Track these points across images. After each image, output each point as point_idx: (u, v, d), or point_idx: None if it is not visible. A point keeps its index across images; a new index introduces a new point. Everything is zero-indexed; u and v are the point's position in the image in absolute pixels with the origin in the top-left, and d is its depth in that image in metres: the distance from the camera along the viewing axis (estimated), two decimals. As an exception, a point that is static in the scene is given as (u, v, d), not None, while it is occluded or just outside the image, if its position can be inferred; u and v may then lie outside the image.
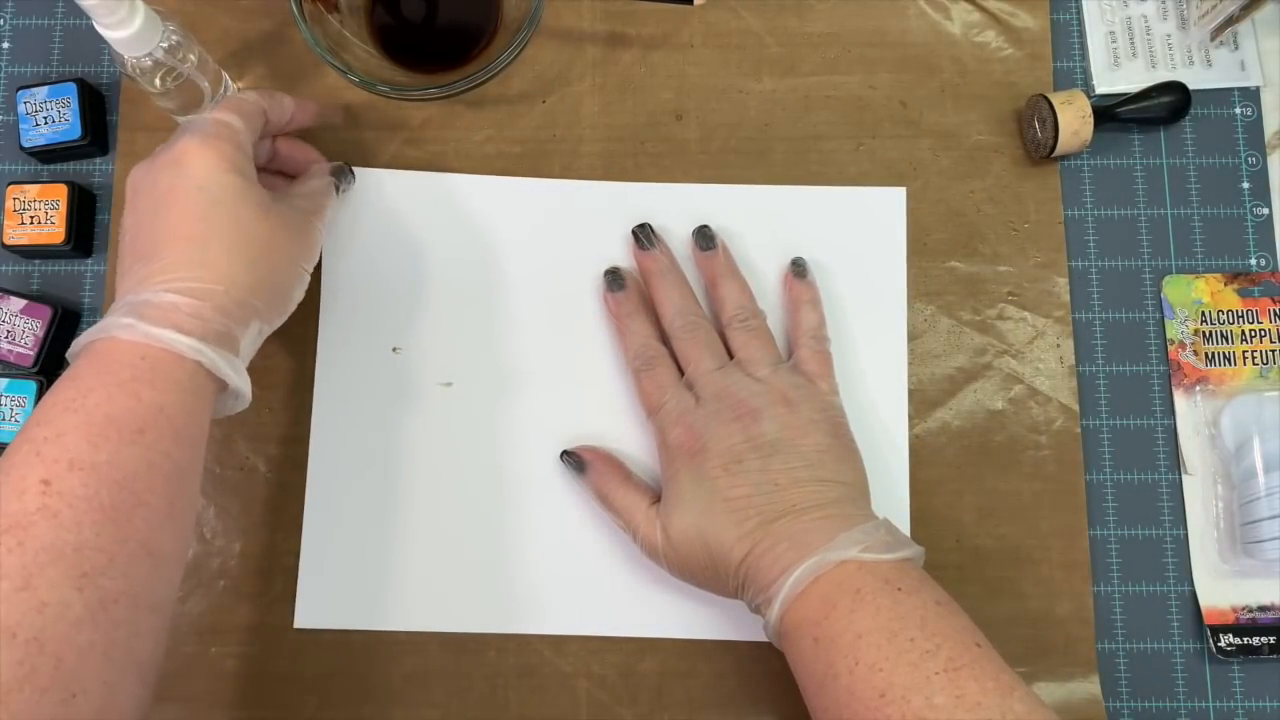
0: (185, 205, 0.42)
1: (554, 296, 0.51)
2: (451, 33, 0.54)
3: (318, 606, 0.49)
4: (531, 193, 0.52)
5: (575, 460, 0.49)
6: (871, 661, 0.38)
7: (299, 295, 0.46)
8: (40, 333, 0.51)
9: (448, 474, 0.50)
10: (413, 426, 0.50)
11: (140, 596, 0.37)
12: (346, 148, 0.53)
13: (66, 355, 0.41)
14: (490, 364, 0.51)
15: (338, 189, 0.50)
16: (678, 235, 0.51)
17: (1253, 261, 0.53)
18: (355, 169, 0.52)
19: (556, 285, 0.51)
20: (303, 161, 0.51)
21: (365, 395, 0.51)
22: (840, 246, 0.52)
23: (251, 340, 0.44)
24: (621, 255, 0.51)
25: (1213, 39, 0.55)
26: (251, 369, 0.44)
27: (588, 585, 0.49)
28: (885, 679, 0.38)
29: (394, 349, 0.51)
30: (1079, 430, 0.52)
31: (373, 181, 0.52)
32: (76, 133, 0.52)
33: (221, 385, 0.42)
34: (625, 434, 0.50)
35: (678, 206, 0.52)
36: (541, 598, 0.49)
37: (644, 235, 0.50)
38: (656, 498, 0.47)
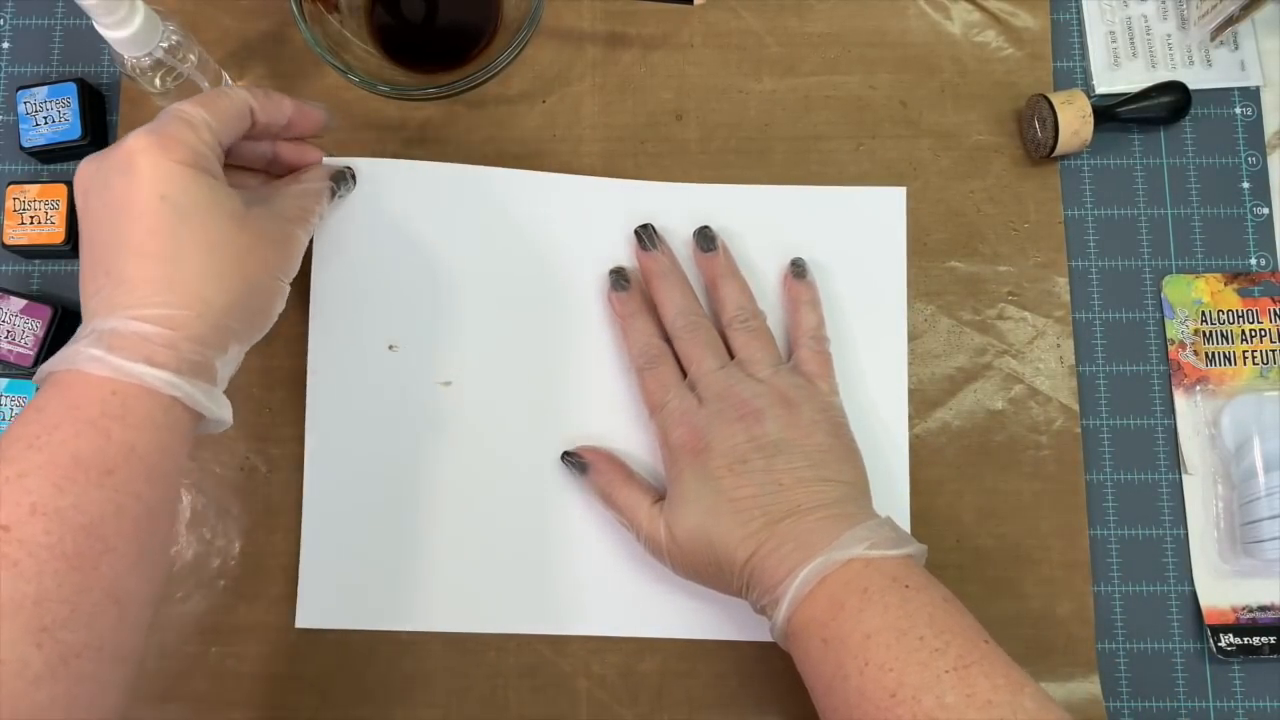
0: (148, 217, 0.38)
1: (553, 292, 0.51)
2: (451, 33, 0.54)
3: (318, 606, 0.49)
4: (531, 186, 0.52)
5: (576, 461, 0.49)
6: (881, 661, 0.38)
7: (279, 308, 0.43)
8: (40, 333, 0.51)
9: (447, 473, 0.50)
10: (411, 425, 0.50)
11: (105, 648, 0.35)
12: (346, 148, 0.53)
13: (34, 379, 0.39)
14: (490, 362, 0.51)
15: (334, 194, 0.47)
16: (678, 235, 0.51)
17: (1253, 261, 0.53)
18: (351, 158, 0.50)
19: (556, 281, 0.51)
20: (305, 162, 0.49)
21: (361, 393, 0.50)
22: (840, 246, 0.52)
23: (229, 364, 0.41)
24: (622, 252, 0.51)
25: (1213, 39, 0.55)
26: (251, 369, 0.44)
27: (588, 585, 0.49)
28: (895, 679, 0.38)
29: (390, 346, 0.51)
30: (1079, 430, 0.52)
31: (367, 170, 0.51)
32: (76, 133, 0.52)
33: (199, 416, 0.40)
34: (627, 431, 0.50)
35: (678, 206, 0.52)
36: (541, 597, 0.49)
37: (646, 236, 0.50)
38: (659, 496, 0.47)
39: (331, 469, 0.50)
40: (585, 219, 0.52)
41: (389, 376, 0.50)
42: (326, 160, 0.50)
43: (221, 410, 0.40)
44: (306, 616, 0.49)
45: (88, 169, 0.40)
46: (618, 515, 0.48)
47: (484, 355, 0.51)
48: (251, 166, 0.48)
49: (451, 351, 0.51)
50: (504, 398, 0.50)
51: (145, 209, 0.38)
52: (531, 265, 0.51)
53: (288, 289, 0.44)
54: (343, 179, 0.49)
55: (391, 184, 0.51)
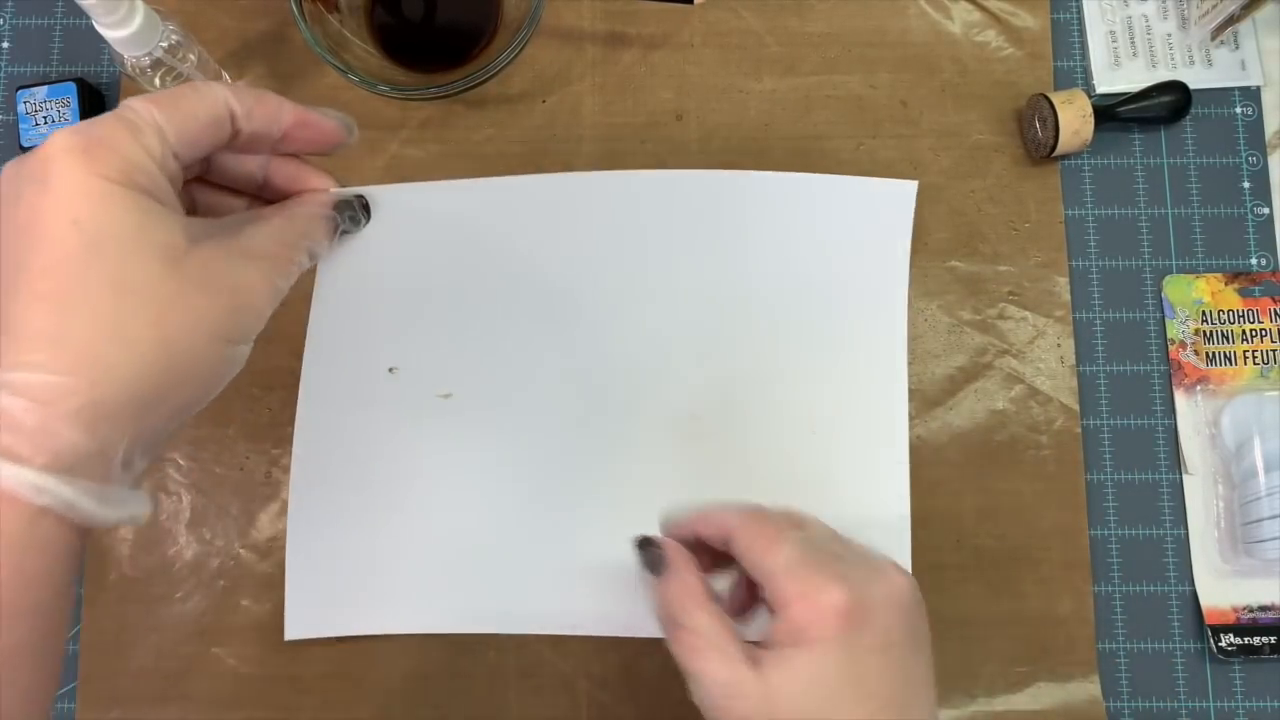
0: (51, 246, 0.29)
1: (555, 292, 0.50)
2: (451, 32, 0.54)
3: (306, 618, 0.48)
4: (523, 190, 0.50)
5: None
6: None
7: (227, 375, 0.33)
8: (40, 333, 0.50)
9: (442, 476, 0.49)
10: (406, 433, 0.49)
11: None
12: (346, 149, 0.52)
13: None
14: (489, 371, 0.50)
15: (336, 227, 0.38)
16: (676, 222, 0.50)
17: (1253, 261, 0.53)
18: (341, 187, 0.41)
19: (558, 281, 0.50)
20: (306, 187, 0.39)
21: (356, 407, 0.49)
22: (844, 238, 0.50)
23: (145, 447, 0.31)
24: (621, 245, 0.50)
25: (1213, 38, 0.55)
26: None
27: (588, 586, 0.49)
28: None
29: (390, 369, 0.49)
30: (1079, 430, 0.51)
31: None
32: (76, 132, 0.52)
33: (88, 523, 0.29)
34: (633, 435, 0.49)
35: (678, 193, 0.50)
36: (541, 599, 0.49)
37: (651, 559, 0.37)
38: (743, 640, 0.35)
39: (319, 477, 0.49)
40: (581, 214, 0.50)
41: (387, 395, 0.49)
42: (335, 190, 0.40)
43: (125, 510, 0.30)
44: (295, 629, 0.49)
45: (7, 173, 0.31)
46: (679, 646, 0.35)
47: (483, 365, 0.50)
48: (240, 188, 0.38)
49: (451, 364, 0.49)
50: (502, 401, 0.50)
51: (49, 234, 0.29)
52: (530, 267, 0.50)
53: (243, 352, 0.33)
54: (348, 210, 0.39)
55: (391, 209, 0.45)
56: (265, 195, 0.38)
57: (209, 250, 0.32)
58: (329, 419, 0.49)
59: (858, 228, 0.51)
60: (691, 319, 0.49)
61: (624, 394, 0.50)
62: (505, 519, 0.50)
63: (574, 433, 0.50)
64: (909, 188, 0.50)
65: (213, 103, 0.33)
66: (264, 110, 0.34)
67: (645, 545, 0.37)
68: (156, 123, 0.31)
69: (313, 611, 0.49)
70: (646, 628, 0.49)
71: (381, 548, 0.49)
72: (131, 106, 0.31)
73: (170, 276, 0.30)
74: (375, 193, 0.40)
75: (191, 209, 0.36)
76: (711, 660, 0.34)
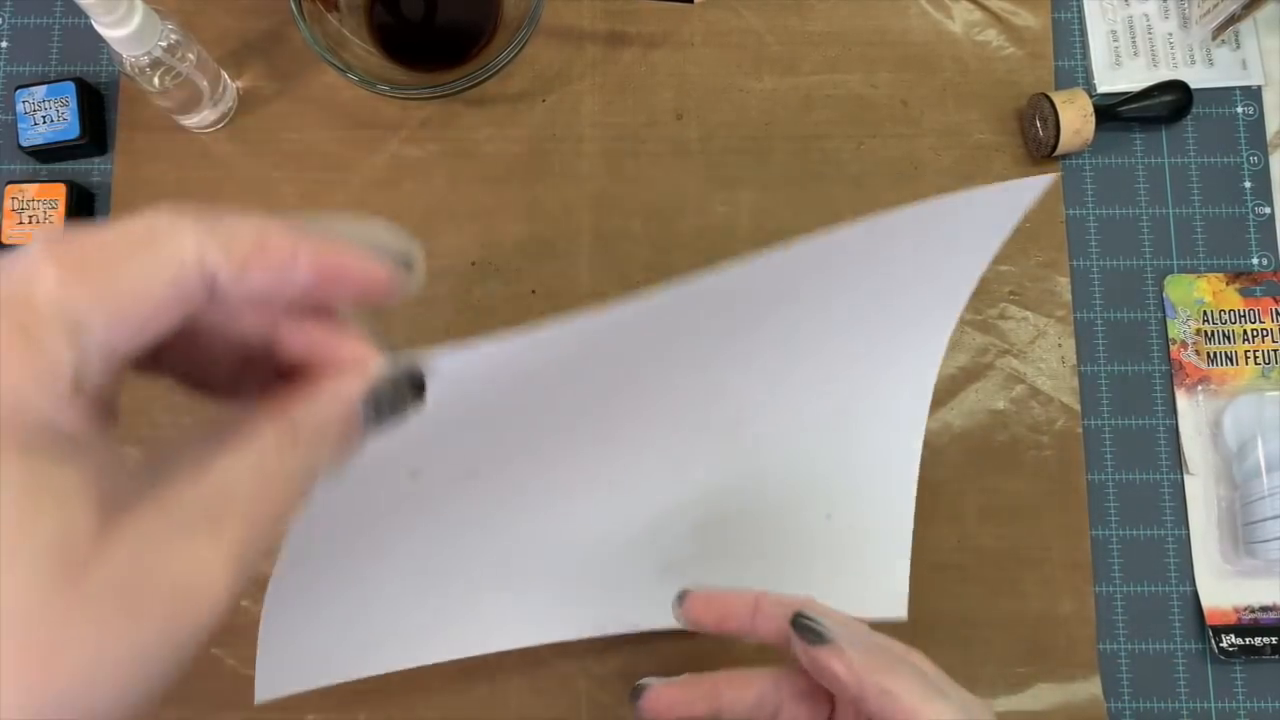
0: None
1: (599, 417, 0.42)
2: (451, 31, 0.54)
3: (281, 677, 0.44)
4: (591, 330, 0.33)
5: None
6: None
7: (157, 695, 0.20)
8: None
9: (445, 531, 0.44)
10: (417, 509, 0.42)
11: None
12: (343, 150, 0.52)
13: None
14: (516, 462, 0.42)
15: (373, 420, 0.23)
16: (745, 321, 0.39)
17: (1255, 261, 0.53)
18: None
19: (597, 415, 0.42)
20: (330, 363, 0.23)
21: (366, 512, 0.40)
22: (941, 255, 0.41)
23: None
24: (678, 362, 0.41)
25: (1214, 38, 0.55)
26: None
27: (588, 588, 0.49)
28: None
29: (412, 473, 0.38)
30: (1080, 430, 0.51)
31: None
32: (75, 132, 0.52)
33: None
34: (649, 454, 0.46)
35: (750, 290, 0.37)
36: (541, 606, 0.48)
37: (814, 631, 0.35)
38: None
39: (311, 549, 0.40)
40: (626, 344, 0.38)
41: (406, 497, 0.40)
42: (379, 364, 0.24)
43: None
44: (265, 690, 0.43)
45: None
46: (900, 690, 0.33)
47: (511, 459, 0.42)
48: (233, 347, 0.23)
49: (476, 461, 0.41)
50: (524, 477, 0.43)
51: None
52: (586, 403, 0.40)
53: (186, 658, 0.20)
54: (393, 398, 0.24)
55: (445, 373, 0.29)
56: (271, 361, 0.24)
57: (139, 527, 0.19)
58: (332, 519, 0.38)
59: (954, 243, 0.41)
60: (737, 384, 0.43)
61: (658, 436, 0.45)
62: (501, 526, 0.48)
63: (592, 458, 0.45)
64: (1040, 183, 0.37)
65: (176, 262, 0.20)
66: (267, 263, 0.21)
67: (803, 620, 0.36)
68: (73, 315, 0.19)
69: (286, 671, 0.44)
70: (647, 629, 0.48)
71: (368, 595, 0.44)
72: (36, 283, 0.19)
73: (63, 593, 0.18)
74: (436, 363, 0.25)
75: (153, 362, 0.23)
76: (937, 700, 0.33)
